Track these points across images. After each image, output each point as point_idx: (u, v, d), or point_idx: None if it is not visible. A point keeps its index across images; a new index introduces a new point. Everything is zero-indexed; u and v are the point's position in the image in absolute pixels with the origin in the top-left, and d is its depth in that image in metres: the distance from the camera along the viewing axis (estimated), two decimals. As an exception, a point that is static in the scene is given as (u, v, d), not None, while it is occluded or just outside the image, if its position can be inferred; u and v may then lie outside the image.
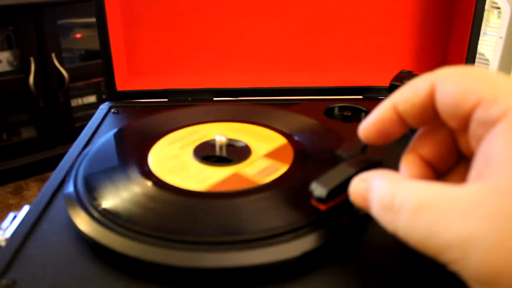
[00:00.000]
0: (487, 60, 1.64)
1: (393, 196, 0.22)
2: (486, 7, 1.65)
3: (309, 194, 0.28)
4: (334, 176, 0.28)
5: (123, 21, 0.55)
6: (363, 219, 0.30)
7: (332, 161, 0.33)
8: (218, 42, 0.57)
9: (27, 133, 1.59)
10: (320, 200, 0.28)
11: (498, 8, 1.62)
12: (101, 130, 0.47)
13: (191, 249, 0.27)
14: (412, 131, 0.42)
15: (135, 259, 0.27)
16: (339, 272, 0.28)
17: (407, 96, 0.26)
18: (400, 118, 0.27)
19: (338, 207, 0.29)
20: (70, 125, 1.63)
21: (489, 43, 1.65)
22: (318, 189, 0.27)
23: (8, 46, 1.48)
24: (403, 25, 0.57)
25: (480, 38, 1.69)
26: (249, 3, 0.55)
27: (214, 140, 0.37)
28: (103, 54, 0.52)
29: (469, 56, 0.53)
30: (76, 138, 0.45)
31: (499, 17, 1.61)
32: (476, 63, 1.65)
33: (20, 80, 1.49)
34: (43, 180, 1.52)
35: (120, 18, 0.55)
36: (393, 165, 0.37)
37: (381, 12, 0.56)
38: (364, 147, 0.33)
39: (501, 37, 1.58)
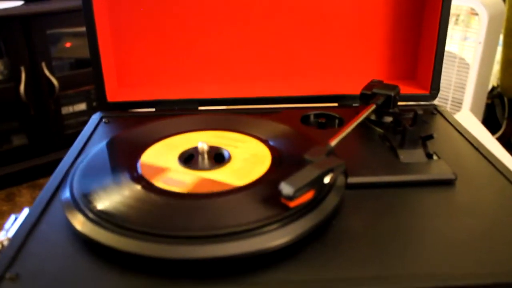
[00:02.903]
0: (468, 64, 1.69)
1: None
2: (466, 12, 1.70)
3: (279, 192, 0.32)
4: (301, 176, 0.32)
5: (112, 35, 0.59)
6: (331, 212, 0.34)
7: (302, 164, 0.37)
8: (202, 55, 0.61)
9: (18, 140, 1.61)
10: (288, 198, 0.31)
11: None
12: (93, 139, 0.50)
13: (174, 242, 0.31)
14: (384, 135, 0.46)
15: (127, 253, 0.31)
16: (309, 259, 0.31)
17: None
18: None
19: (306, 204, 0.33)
20: (61, 133, 1.66)
21: (470, 48, 1.70)
22: (286, 188, 0.31)
23: (-1, 55, 1.51)
24: (375, 37, 0.61)
25: (461, 42, 1.73)
26: (231, 18, 0.59)
27: (197, 147, 0.40)
28: (94, 67, 0.56)
29: (436, 66, 0.58)
30: (68, 145, 0.48)
31: (479, 22, 1.65)
32: (457, 68, 1.68)
33: (11, 89, 1.51)
34: (35, 186, 1.54)
35: (109, 32, 0.59)
36: (358, 167, 0.41)
37: (354, 25, 0.61)
38: (330, 152, 0.37)
39: (480, 42, 1.63)
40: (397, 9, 0.60)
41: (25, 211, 0.37)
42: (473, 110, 1.63)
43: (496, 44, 1.70)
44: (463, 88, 1.63)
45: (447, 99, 1.64)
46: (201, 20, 0.59)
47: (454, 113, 1.57)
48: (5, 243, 0.35)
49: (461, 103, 1.63)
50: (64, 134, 1.66)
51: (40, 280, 0.30)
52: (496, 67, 1.79)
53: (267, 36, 0.60)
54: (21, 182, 1.57)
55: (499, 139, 1.80)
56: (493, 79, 1.83)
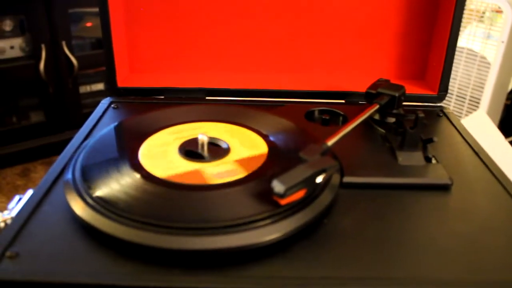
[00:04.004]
0: (489, 63, 1.66)
1: None
2: (492, 9, 1.66)
3: (271, 189, 0.33)
4: (293, 175, 0.32)
5: (125, 21, 0.60)
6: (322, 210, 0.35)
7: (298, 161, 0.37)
8: (212, 44, 0.61)
9: (36, 117, 1.64)
10: (279, 195, 0.32)
11: (503, 12, 1.63)
12: (101, 124, 0.51)
13: (168, 233, 0.32)
14: (386, 136, 0.47)
15: (121, 239, 0.32)
16: (297, 257, 0.32)
17: None
18: None
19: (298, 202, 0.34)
20: (78, 111, 1.68)
21: (492, 47, 1.66)
22: (278, 186, 0.32)
23: (21, 32, 1.53)
24: (387, 34, 0.61)
25: (484, 41, 1.70)
26: (242, 11, 0.60)
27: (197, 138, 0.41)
28: (106, 51, 0.57)
29: (446, 66, 0.57)
30: (83, 126, 0.50)
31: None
32: (477, 66, 1.65)
33: (31, 66, 1.54)
34: (50, 164, 1.57)
35: (122, 18, 0.60)
36: (356, 166, 0.41)
37: (366, 22, 0.60)
38: (325, 151, 0.37)
39: (502, 42, 1.60)
40: (410, 7, 0.59)
41: (29, 192, 0.39)
42: (491, 110, 1.60)
43: (520, 44, 1.66)
44: (482, 87, 1.61)
45: (465, 98, 1.61)
46: (213, 12, 0.60)
47: (470, 112, 1.55)
48: (9, 222, 0.37)
49: (479, 102, 1.61)
50: (81, 113, 1.69)
51: (38, 260, 0.31)
52: (518, 68, 1.76)
53: (277, 30, 0.60)
54: (36, 159, 1.61)
55: (516, 141, 1.77)
56: (514, 80, 1.80)
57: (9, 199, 0.39)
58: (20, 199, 0.38)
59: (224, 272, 0.31)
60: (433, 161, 0.44)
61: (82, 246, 0.33)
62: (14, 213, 0.37)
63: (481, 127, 1.12)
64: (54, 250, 0.32)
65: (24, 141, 1.60)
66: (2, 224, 0.37)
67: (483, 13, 1.69)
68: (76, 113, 1.67)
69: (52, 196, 0.38)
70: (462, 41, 1.59)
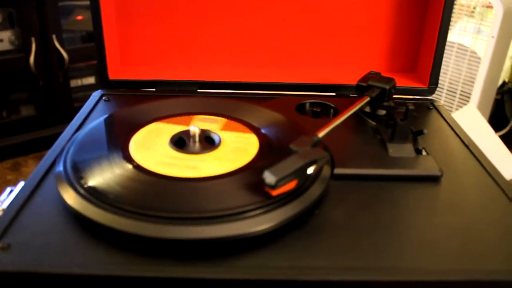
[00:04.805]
0: (479, 58, 1.67)
1: None
2: (482, 4, 1.67)
3: (263, 181, 0.33)
4: (284, 166, 0.33)
5: (116, 13, 0.60)
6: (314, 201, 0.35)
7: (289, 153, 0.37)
8: (204, 37, 0.61)
9: (27, 111, 1.63)
10: (270, 186, 0.32)
11: (494, 7, 1.64)
12: (93, 116, 0.51)
13: (159, 222, 0.32)
14: (376, 128, 0.47)
15: (112, 229, 0.32)
16: (288, 247, 0.33)
17: None
18: None
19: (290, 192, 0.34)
20: (69, 105, 1.67)
21: (482, 42, 1.67)
22: (269, 177, 0.32)
23: (10, 25, 1.52)
24: (377, 28, 0.61)
25: (474, 36, 1.71)
26: (234, 4, 0.60)
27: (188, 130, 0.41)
28: (97, 44, 0.57)
29: (437, 59, 0.58)
30: (74, 118, 0.50)
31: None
32: (468, 61, 1.66)
33: (21, 60, 1.53)
34: (41, 158, 1.56)
35: (114, 10, 0.59)
36: (347, 158, 0.42)
37: (357, 15, 0.61)
38: (316, 143, 0.37)
39: (493, 37, 1.61)
40: (400, 0, 0.60)
41: (21, 184, 0.38)
42: (482, 104, 1.61)
43: (510, 39, 1.68)
44: (473, 82, 1.62)
45: (455, 92, 1.63)
46: (205, 5, 0.59)
47: (461, 107, 1.56)
48: (0, 213, 0.37)
49: (469, 97, 1.62)
50: (72, 107, 1.68)
51: (30, 251, 0.31)
52: (508, 63, 1.77)
53: (269, 23, 0.61)
54: (27, 153, 1.60)
55: (507, 135, 1.79)
56: (504, 75, 1.81)
57: (0, 193, 0.39)
58: (11, 191, 0.38)
59: (216, 262, 0.31)
60: (424, 153, 0.44)
61: (73, 237, 0.33)
62: (5, 204, 0.36)
63: (471, 121, 1.13)
64: (46, 241, 0.32)
65: (15, 135, 1.59)
66: (-6, 216, 0.37)
67: (474, 8, 1.70)
68: (67, 107, 1.67)
69: (43, 187, 0.38)
70: (453, 36, 1.60)
